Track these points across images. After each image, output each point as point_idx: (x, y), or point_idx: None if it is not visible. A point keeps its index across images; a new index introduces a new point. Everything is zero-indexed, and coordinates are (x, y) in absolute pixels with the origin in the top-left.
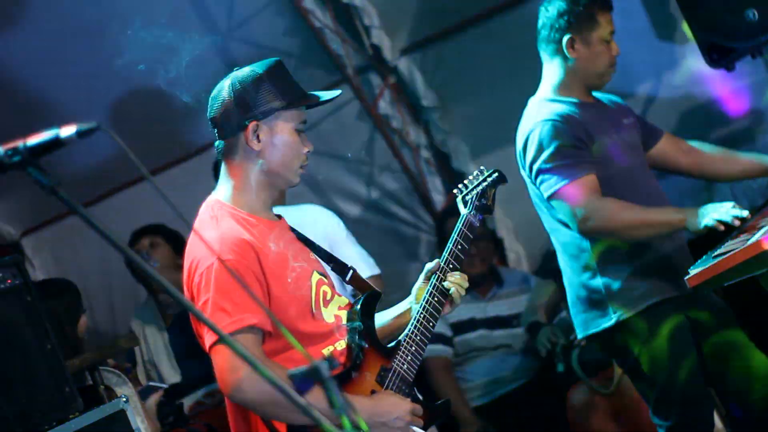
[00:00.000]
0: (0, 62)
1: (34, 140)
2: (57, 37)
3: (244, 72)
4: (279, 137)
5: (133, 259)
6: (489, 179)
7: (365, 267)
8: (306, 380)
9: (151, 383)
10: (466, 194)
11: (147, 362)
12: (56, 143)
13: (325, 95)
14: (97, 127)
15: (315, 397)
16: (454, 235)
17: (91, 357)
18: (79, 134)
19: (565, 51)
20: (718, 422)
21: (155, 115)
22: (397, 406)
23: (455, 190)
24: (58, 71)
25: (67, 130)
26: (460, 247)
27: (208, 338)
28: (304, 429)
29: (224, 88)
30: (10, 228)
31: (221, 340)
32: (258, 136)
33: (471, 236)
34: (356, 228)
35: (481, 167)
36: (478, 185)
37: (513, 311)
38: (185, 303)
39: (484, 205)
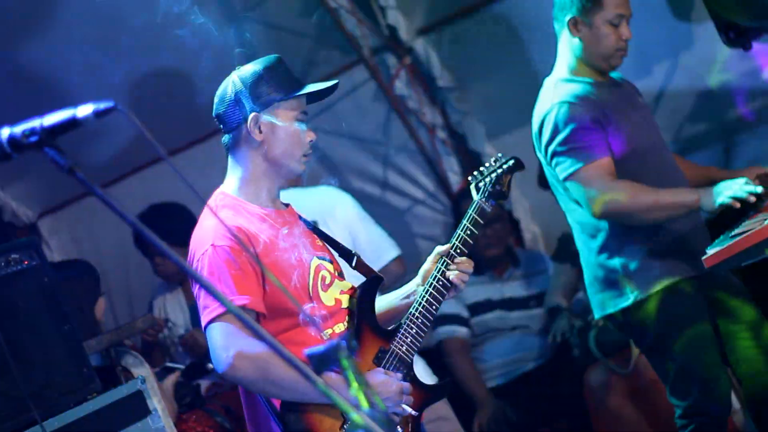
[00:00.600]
0: (18, 48)
1: (51, 120)
2: (76, 19)
3: (244, 69)
4: (280, 127)
5: (149, 239)
6: (505, 166)
7: (386, 248)
8: (323, 360)
9: (169, 364)
10: (480, 180)
11: (167, 337)
12: (73, 123)
13: (322, 85)
14: (113, 107)
15: (331, 377)
16: (464, 221)
17: (109, 338)
18: (96, 114)
19: (569, 31)
20: (735, 402)
21: (172, 95)
22: (385, 385)
23: (470, 177)
24: (76, 52)
25: (84, 110)
26: (469, 232)
27: (204, 318)
28: (296, 405)
29: (226, 86)
30: (27, 209)
31: (217, 318)
32: (259, 128)
33: (481, 222)
34: (372, 209)
35: (499, 154)
36: (492, 171)
37: (530, 292)
38: (198, 278)
39: (499, 192)
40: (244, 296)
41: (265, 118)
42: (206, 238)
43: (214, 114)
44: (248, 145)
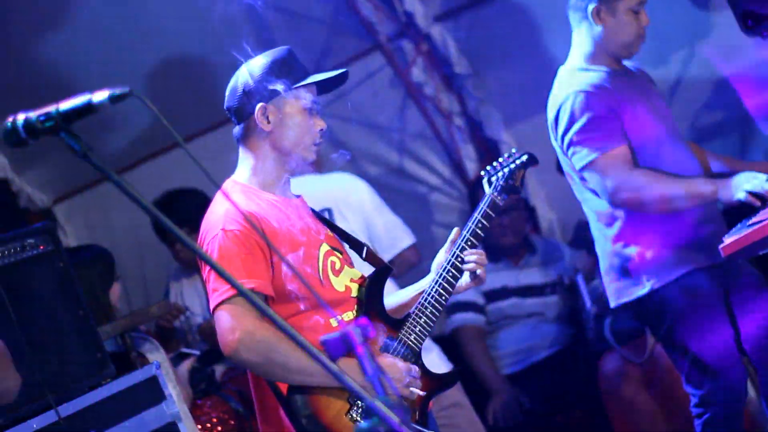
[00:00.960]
0: (35, 39)
1: (66, 105)
2: (91, 9)
3: (253, 61)
4: (288, 117)
5: (164, 224)
6: (518, 161)
7: (401, 236)
8: (338, 346)
9: (184, 349)
10: (493, 175)
11: (183, 323)
12: (89, 108)
13: (328, 74)
14: (129, 92)
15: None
16: (475, 215)
17: (123, 323)
18: (112, 99)
19: (591, 19)
20: (751, 391)
21: (188, 82)
22: (390, 367)
23: (482, 171)
24: (92, 41)
25: (100, 96)
26: (480, 225)
27: (212, 301)
28: (302, 389)
29: (236, 78)
30: (42, 195)
31: (225, 301)
32: (268, 117)
33: (493, 215)
34: (388, 196)
35: (513, 149)
36: (506, 166)
37: (545, 279)
38: (210, 261)
39: (511, 186)
40: (252, 280)
41: (273, 108)
42: (216, 223)
43: (225, 107)
44: (258, 136)
